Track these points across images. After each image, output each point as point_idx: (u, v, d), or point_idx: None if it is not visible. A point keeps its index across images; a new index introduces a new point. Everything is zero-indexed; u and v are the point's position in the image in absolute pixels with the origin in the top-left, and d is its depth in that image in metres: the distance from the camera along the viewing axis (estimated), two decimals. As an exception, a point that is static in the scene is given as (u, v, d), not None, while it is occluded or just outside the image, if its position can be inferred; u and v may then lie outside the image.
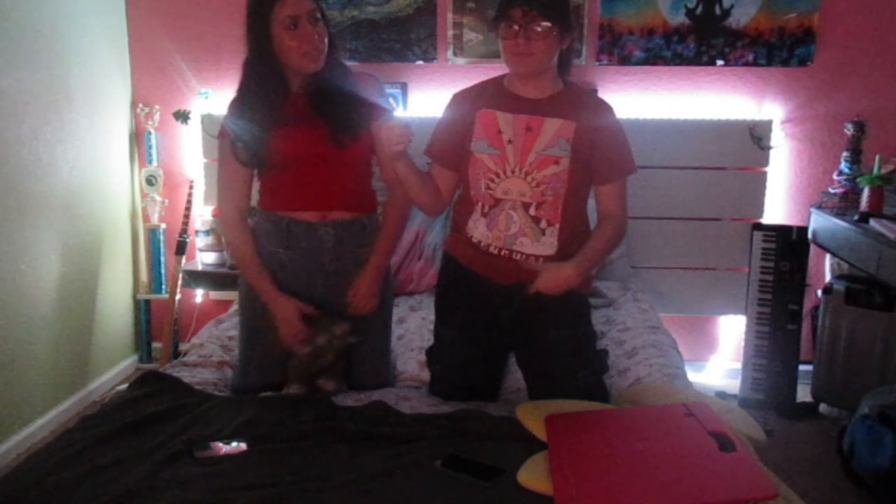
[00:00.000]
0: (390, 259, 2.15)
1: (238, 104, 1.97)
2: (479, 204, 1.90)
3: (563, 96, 1.86)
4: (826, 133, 3.26)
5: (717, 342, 3.51)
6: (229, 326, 2.52)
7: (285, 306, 1.99)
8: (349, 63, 2.14)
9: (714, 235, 3.32)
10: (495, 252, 1.90)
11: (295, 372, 2.04)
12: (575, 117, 1.83)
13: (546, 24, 1.74)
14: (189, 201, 3.39)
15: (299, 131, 1.95)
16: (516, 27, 1.75)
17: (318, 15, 1.90)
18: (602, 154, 1.87)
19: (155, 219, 3.48)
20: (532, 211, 1.86)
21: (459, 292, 2.02)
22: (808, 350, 3.23)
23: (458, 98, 1.94)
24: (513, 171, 1.85)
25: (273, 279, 2.02)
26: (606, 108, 1.89)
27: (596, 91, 3.27)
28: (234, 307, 2.72)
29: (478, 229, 1.91)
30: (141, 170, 3.47)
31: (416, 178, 1.88)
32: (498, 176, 1.86)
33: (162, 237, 3.51)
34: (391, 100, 2.03)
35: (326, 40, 1.91)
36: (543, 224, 1.87)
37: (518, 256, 1.89)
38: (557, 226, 1.88)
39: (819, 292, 3.17)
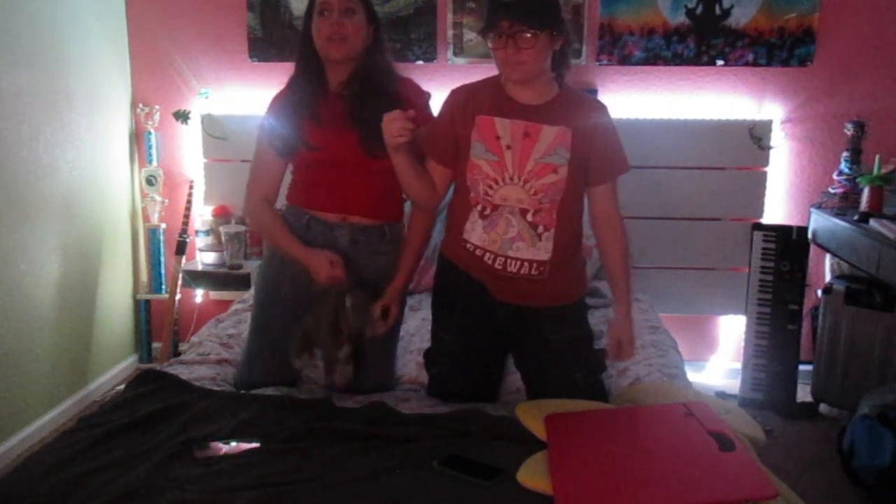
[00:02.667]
0: (412, 279, 2.12)
1: (282, 95, 2.04)
2: (479, 206, 1.89)
3: (559, 101, 1.86)
4: (826, 133, 3.26)
5: (717, 342, 3.51)
6: (229, 325, 2.52)
7: (319, 256, 1.97)
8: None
9: (714, 235, 3.32)
10: (489, 262, 1.90)
11: (306, 342, 1.98)
12: (571, 123, 1.83)
13: (533, 32, 1.73)
14: (189, 201, 3.39)
15: (331, 134, 1.96)
16: (504, 37, 1.74)
17: (357, 11, 1.94)
18: (598, 154, 1.87)
19: (155, 219, 3.48)
20: (529, 217, 1.86)
21: (455, 294, 2.02)
22: (808, 350, 3.23)
23: (456, 96, 1.92)
24: (511, 179, 1.84)
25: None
26: (601, 109, 1.90)
27: (596, 91, 3.28)
28: (234, 307, 2.73)
29: (475, 232, 1.91)
30: (141, 170, 3.47)
31: (413, 172, 1.87)
32: (497, 182, 1.85)
33: (162, 237, 3.51)
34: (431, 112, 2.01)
35: (362, 35, 1.95)
36: (540, 229, 1.87)
37: (512, 265, 1.89)
38: (553, 230, 1.88)
39: (819, 292, 3.17)
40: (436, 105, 1.98)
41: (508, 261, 1.89)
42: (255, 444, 1.68)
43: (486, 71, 1.97)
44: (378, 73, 1.98)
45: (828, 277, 3.25)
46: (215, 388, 2.04)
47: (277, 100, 2.05)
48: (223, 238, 3.25)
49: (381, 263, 2.06)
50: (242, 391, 2.06)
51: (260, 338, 2.13)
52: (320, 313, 1.96)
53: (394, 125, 1.75)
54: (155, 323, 3.59)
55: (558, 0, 1.84)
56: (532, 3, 1.73)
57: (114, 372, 3.39)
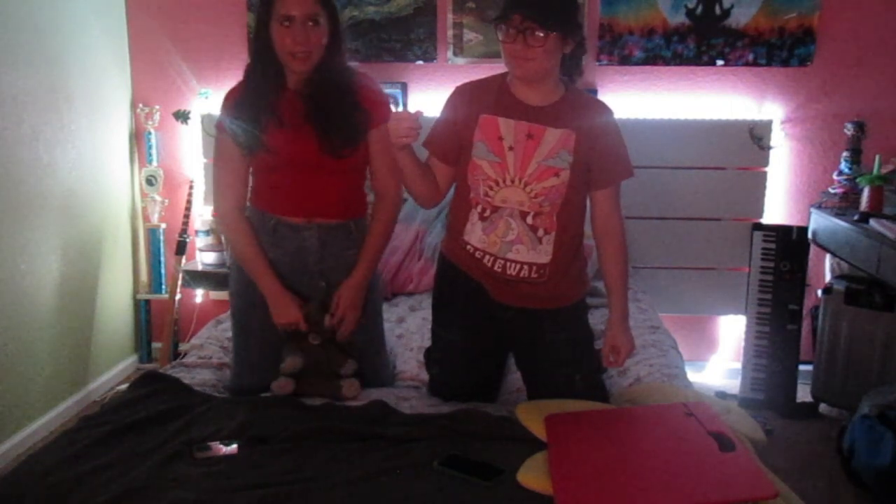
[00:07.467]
0: (373, 271, 2.10)
1: (235, 96, 1.98)
2: (479, 207, 1.89)
3: (565, 103, 1.84)
4: (826, 133, 3.26)
5: (717, 342, 3.51)
6: (228, 327, 2.52)
7: (286, 302, 1.99)
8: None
9: (714, 235, 3.32)
10: (489, 264, 1.89)
11: (308, 365, 2.01)
12: (576, 126, 1.82)
13: (545, 31, 1.71)
14: (189, 201, 3.40)
15: (292, 135, 1.93)
16: (515, 31, 1.73)
17: (321, 20, 1.87)
18: (602, 158, 1.85)
19: (155, 219, 3.48)
20: (529, 220, 1.85)
21: (456, 294, 2.01)
22: (808, 350, 3.23)
23: (460, 93, 1.92)
24: (512, 181, 1.83)
25: (276, 274, 2.01)
26: (606, 112, 1.88)
27: (596, 91, 3.28)
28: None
29: (475, 234, 1.90)
30: (141, 170, 3.47)
31: (417, 170, 1.86)
32: (497, 184, 1.84)
33: (162, 237, 3.51)
34: (391, 104, 2.02)
35: (324, 43, 1.89)
36: (541, 233, 1.86)
37: (511, 267, 1.88)
38: (554, 234, 1.87)
39: (819, 292, 3.17)
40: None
41: (508, 263, 1.88)
42: (254, 445, 1.68)
43: (485, 71, 1.97)
44: (337, 71, 1.94)
45: (828, 277, 3.25)
46: (217, 395, 2.03)
47: (235, 98, 1.98)
48: (223, 238, 3.25)
49: (351, 260, 2.05)
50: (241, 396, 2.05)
51: (244, 342, 2.12)
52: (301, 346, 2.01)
53: (401, 126, 1.74)
54: (155, 323, 3.59)
55: (576, 3, 1.82)
56: (548, 2, 1.72)
57: (114, 372, 3.39)
